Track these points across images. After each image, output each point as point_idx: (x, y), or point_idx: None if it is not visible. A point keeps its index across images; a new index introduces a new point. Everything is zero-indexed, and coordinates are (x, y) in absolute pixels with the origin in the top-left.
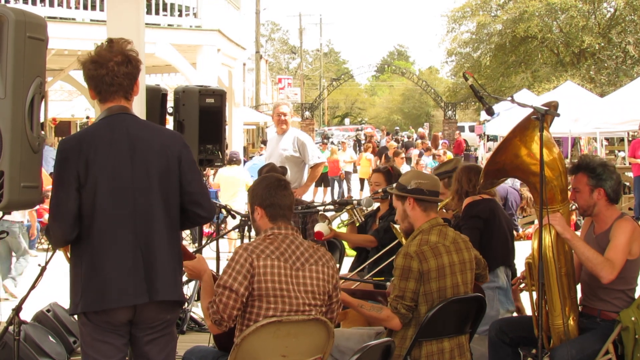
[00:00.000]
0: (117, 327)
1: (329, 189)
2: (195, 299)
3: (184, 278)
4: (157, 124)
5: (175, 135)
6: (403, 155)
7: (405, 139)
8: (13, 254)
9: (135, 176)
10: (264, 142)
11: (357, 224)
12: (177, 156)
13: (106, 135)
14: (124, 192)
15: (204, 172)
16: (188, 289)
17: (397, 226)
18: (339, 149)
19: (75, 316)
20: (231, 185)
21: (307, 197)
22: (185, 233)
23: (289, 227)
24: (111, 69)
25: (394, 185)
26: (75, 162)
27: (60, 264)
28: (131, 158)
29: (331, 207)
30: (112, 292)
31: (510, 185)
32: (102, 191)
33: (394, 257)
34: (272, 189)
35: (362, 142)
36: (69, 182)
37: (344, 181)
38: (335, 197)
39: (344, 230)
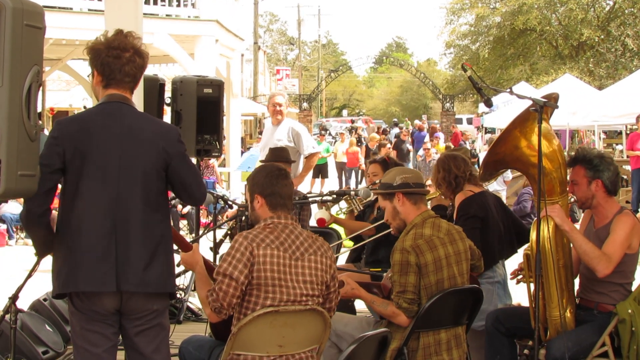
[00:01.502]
0: (105, 316)
1: (326, 180)
2: (192, 289)
3: (181, 268)
4: (154, 114)
5: (170, 128)
6: (389, 145)
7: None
8: None
9: (122, 164)
10: (262, 133)
11: (356, 213)
12: (168, 150)
13: (100, 120)
14: (108, 179)
15: (209, 164)
16: (184, 279)
17: None
18: (337, 140)
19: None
20: None
21: (303, 188)
22: (183, 223)
23: (289, 216)
24: (129, 59)
25: (378, 187)
26: (64, 142)
27: None
28: (121, 146)
29: (328, 197)
30: (82, 276)
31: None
32: (87, 175)
33: (391, 245)
34: (272, 178)
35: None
36: (51, 160)
37: (353, 172)
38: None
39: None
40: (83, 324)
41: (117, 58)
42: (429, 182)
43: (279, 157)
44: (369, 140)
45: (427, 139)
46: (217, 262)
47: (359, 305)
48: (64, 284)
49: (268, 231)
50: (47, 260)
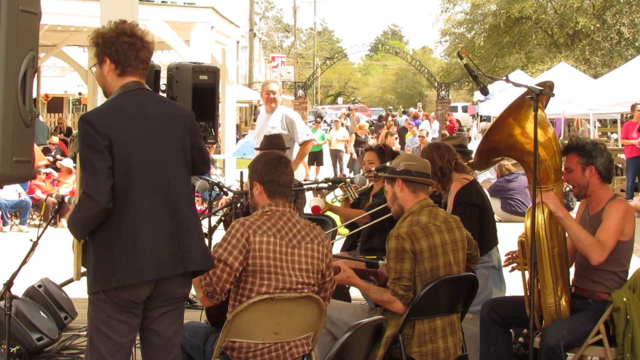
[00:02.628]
0: (136, 305)
1: (321, 167)
2: None
3: None
4: None
5: (186, 108)
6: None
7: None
8: None
9: (164, 148)
10: (256, 120)
11: (351, 201)
12: (192, 128)
13: (132, 109)
14: (155, 165)
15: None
16: None
17: None
18: (331, 128)
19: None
20: None
21: (299, 176)
22: None
23: (287, 204)
24: (143, 46)
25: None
26: (107, 134)
27: (51, 240)
28: (157, 131)
29: (324, 185)
30: (149, 265)
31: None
32: (135, 164)
33: (386, 233)
34: (272, 166)
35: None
36: (105, 155)
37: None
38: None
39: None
40: (112, 313)
41: (132, 44)
42: None
43: (273, 145)
44: (357, 129)
45: (424, 126)
46: (212, 249)
47: (354, 292)
48: (126, 276)
49: (265, 218)
50: (41, 247)
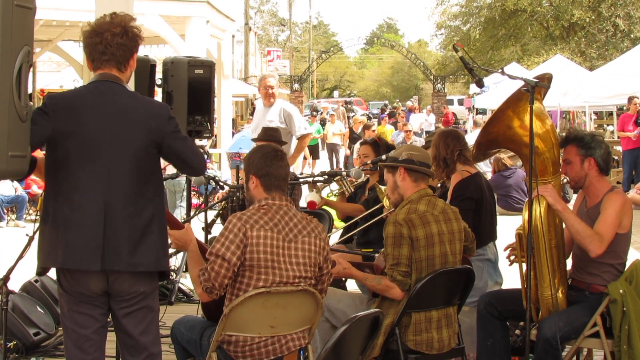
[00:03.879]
0: (92, 297)
1: (317, 161)
2: (184, 270)
3: (171, 250)
4: (145, 95)
5: (161, 106)
6: (374, 128)
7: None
8: None
9: (113, 144)
10: (253, 114)
11: (347, 195)
12: (160, 128)
13: (92, 98)
14: (98, 158)
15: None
16: (176, 260)
17: (382, 187)
18: (327, 121)
19: None
20: None
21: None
22: None
23: (283, 197)
24: (105, 38)
25: (386, 158)
26: (56, 117)
27: None
28: (111, 125)
29: (320, 178)
30: (69, 253)
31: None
32: (77, 152)
33: (383, 226)
34: (268, 159)
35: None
36: (40, 127)
37: (336, 153)
38: None
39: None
40: (71, 306)
41: (94, 38)
42: None
43: (271, 137)
44: (352, 123)
45: (413, 119)
46: (209, 244)
47: (351, 286)
48: (47, 259)
49: (262, 212)
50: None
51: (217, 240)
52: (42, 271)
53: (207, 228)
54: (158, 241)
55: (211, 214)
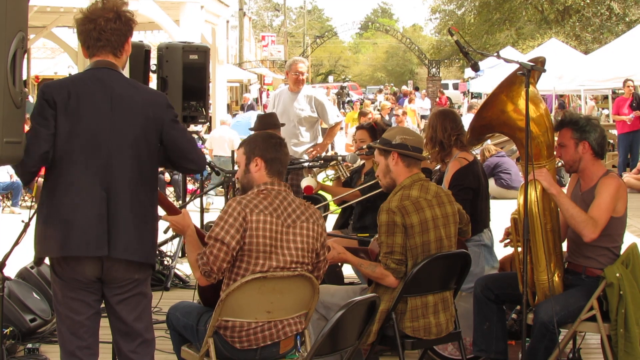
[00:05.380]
0: (86, 284)
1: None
2: (180, 255)
3: (169, 234)
4: (140, 81)
5: (159, 95)
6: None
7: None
8: None
9: (112, 130)
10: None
11: (343, 179)
12: (160, 117)
13: (89, 86)
14: (98, 145)
15: (197, 133)
16: (172, 245)
17: None
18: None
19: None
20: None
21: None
22: (169, 190)
23: (282, 183)
24: (99, 24)
25: (378, 140)
26: (54, 106)
27: None
28: (111, 112)
29: (315, 163)
30: (73, 240)
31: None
32: (77, 140)
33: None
34: (275, 145)
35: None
36: (46, 121)
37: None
38: None
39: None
40: (65, 292)
41: (87, 24)
42: None
43: (270, 125)
44: (381, 109)
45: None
46: (206, 229)
47: (347, 271)
48: (49, 248)
49: (262, 197)
50: (33, 229)
51: (216, 224)
52: (38, 261)
53: (203, 214)
54: (152, 232)
55: (206, 200)
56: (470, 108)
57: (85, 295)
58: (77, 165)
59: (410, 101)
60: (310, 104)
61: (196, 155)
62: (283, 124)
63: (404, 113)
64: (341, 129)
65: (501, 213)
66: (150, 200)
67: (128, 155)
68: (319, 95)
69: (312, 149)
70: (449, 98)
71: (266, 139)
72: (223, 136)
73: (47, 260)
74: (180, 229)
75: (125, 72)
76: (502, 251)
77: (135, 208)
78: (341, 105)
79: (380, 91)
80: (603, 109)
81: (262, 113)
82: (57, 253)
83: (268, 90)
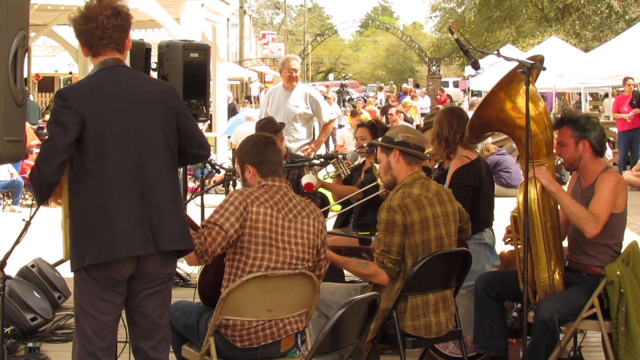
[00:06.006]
0: (119, 283)
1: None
2: None
3: None
4: None
5: (169, 85)
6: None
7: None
8: None
9: (140, 126)
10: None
11: (343, 177)
12: (175, 106)
13: (109, 85)
14: (128, 143)
15: None
16: None
17: (378, 166)
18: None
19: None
20: None
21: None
22: None
23: (282, 180)
24: (101, 22)
25: (380, 138)
26: (79, 110)
27: (44, 219)
28: (132, 108)
29: (317, 160)
30: (121, 242)
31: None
32: (108, 142)
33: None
34: (261, 147)
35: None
36: (70, 132)
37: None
38: None
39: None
40: (95, 292)
41: (89, 24)
42: None
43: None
44: (403, 107)
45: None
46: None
47: None
48: (102, 254)
49: (263, 190)
50: (34, 227)
51: (215, 211)
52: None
53: (203, 212)
54: (183, 219)
55: (207, 198)
56: (471, 106)
57: (113, 296)
58: (114, 166)
59: (412, 98)
60: (306, 101)
61: (205, 141)
62: (283, 124)
63: (398, 112)
64: (341, 126)
65: (501, 211)
66: (179, 189)
67: (160, 148)
68: (314, 92)
69: (307, 146)
70: (449, 96)
71: (253, 143)
72: (248, 132)
73: (50, 260)
74: None
75: None
76: (504, 249)
77: (174, 198)
78: (342, 104)
79: (380, 89)
80: (595, 106)
81: (259, 119)
82: (109, 257)
83: (267, 88)
